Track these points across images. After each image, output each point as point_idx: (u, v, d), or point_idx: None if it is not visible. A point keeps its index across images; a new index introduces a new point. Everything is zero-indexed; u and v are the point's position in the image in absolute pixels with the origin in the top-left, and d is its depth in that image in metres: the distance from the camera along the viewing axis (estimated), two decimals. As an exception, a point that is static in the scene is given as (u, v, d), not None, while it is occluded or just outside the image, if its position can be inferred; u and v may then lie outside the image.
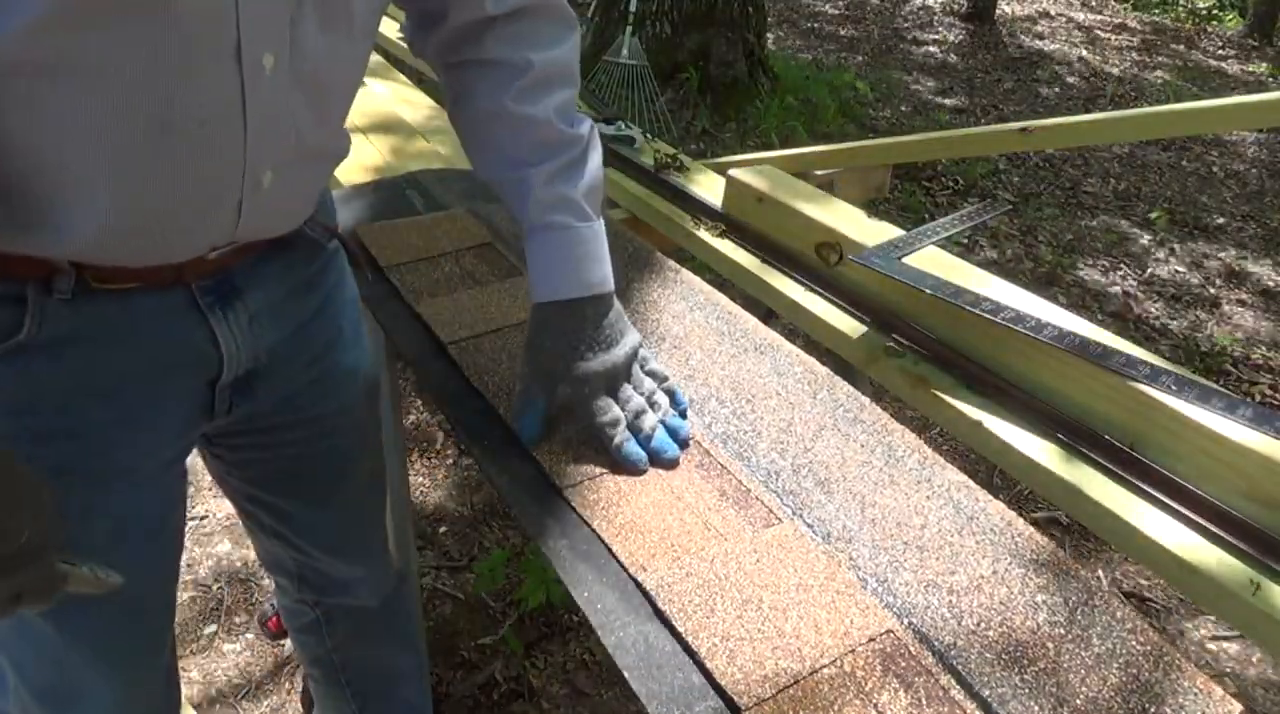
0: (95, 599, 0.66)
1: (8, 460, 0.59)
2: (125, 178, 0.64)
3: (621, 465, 0.81)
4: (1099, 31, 7.53)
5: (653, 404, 0.85)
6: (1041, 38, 7.11)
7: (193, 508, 1.98)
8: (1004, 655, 0.65)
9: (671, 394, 0.88)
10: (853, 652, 0.64)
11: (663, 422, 0.84)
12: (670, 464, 0.82)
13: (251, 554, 1.84)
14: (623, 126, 1.66)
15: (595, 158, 0.89)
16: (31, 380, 0.71)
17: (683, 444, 0.84)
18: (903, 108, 5.12)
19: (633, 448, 0.81)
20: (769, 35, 5.33)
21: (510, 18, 0.84)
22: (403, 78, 2.41)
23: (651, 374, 0.88)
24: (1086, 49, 6.86)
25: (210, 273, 0.77)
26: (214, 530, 1.92)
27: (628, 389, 0.84)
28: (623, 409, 0.83)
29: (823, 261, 1.23)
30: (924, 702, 0.61)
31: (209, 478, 1.23)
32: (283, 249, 0.83)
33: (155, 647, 0.93)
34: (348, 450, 1.01)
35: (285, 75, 0.68)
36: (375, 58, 2.52)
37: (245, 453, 0.96)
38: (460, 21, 0.84)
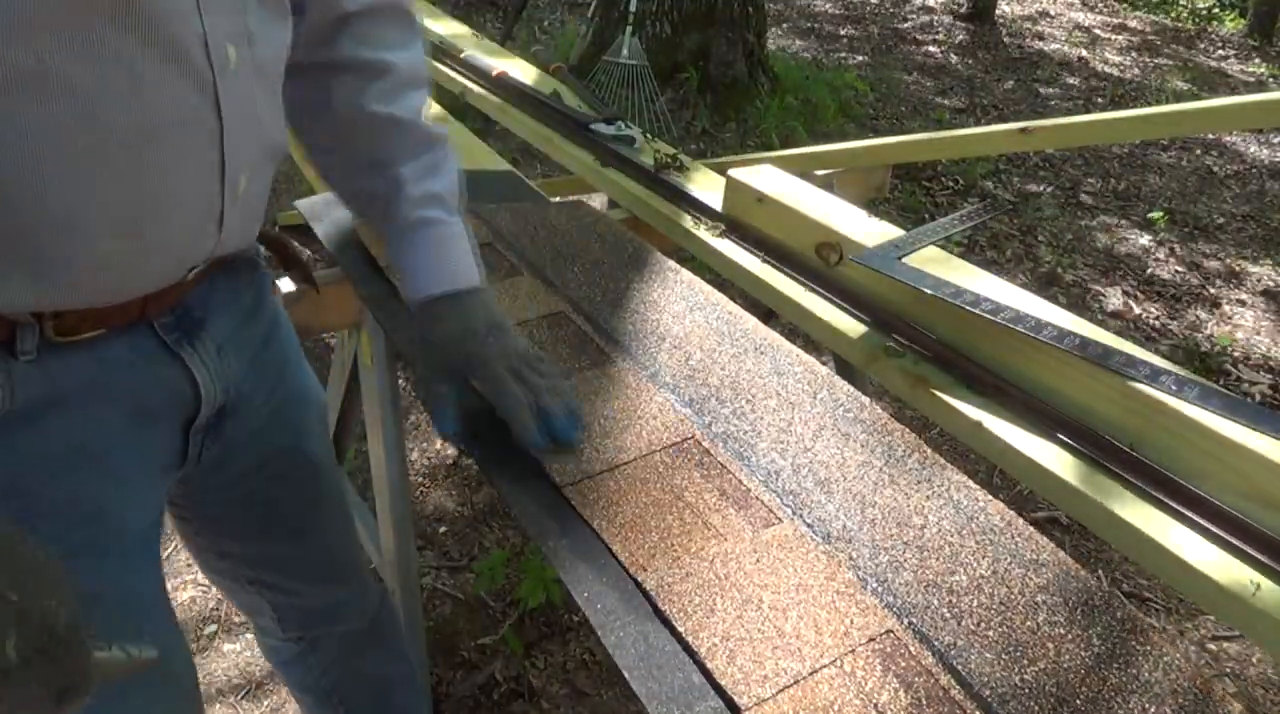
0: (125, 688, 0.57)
1: (19, 541, 0.52)
2: (109, 195, 0.61)
3: (528, 448, 0.81)
4: (1099, 31, 7.53)
5: (555, 390, 0.84)
6: (1041, 38, 7.11)
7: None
8: (1004, 655, 0.65)
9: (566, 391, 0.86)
10: (853, 652, 0.64)
11: (567, 405, 0.83)
12: (573, 446, 0.82)
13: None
14: (623, 126, 1.66)
15: (454, 161, 0.89)
16: (16, 456, 0.66)
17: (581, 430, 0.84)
18: (903, 108, 5.11)
19: (539, 435, 0.80)
20: (769, 35, 5.32)
21: (362, 16, 0.83)
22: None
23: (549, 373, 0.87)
24: (1086, 49, 6.86)
25: (169, 306, 0.74)
26: (214, 530, 1.92)
27: (531, 374, 0.83)
28: (530, 391, 0.82)
29: (823, 261, 1.23)
30: (924, 702, 0.61)
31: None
32: (226, 271, 0.82)
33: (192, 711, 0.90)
34: (312, 478, 1.00)
35: (247, 67, 0.67)
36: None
37: (214, 509, 0.95)
38: (317, 17, 0.82)
